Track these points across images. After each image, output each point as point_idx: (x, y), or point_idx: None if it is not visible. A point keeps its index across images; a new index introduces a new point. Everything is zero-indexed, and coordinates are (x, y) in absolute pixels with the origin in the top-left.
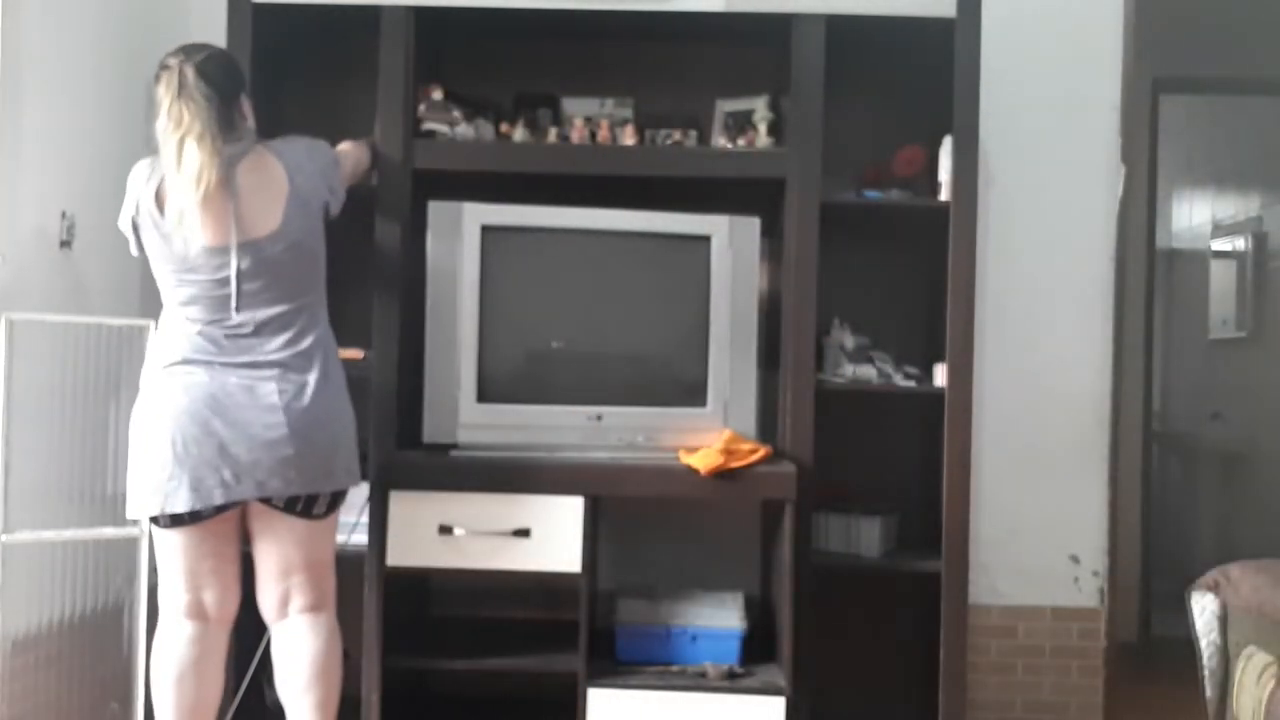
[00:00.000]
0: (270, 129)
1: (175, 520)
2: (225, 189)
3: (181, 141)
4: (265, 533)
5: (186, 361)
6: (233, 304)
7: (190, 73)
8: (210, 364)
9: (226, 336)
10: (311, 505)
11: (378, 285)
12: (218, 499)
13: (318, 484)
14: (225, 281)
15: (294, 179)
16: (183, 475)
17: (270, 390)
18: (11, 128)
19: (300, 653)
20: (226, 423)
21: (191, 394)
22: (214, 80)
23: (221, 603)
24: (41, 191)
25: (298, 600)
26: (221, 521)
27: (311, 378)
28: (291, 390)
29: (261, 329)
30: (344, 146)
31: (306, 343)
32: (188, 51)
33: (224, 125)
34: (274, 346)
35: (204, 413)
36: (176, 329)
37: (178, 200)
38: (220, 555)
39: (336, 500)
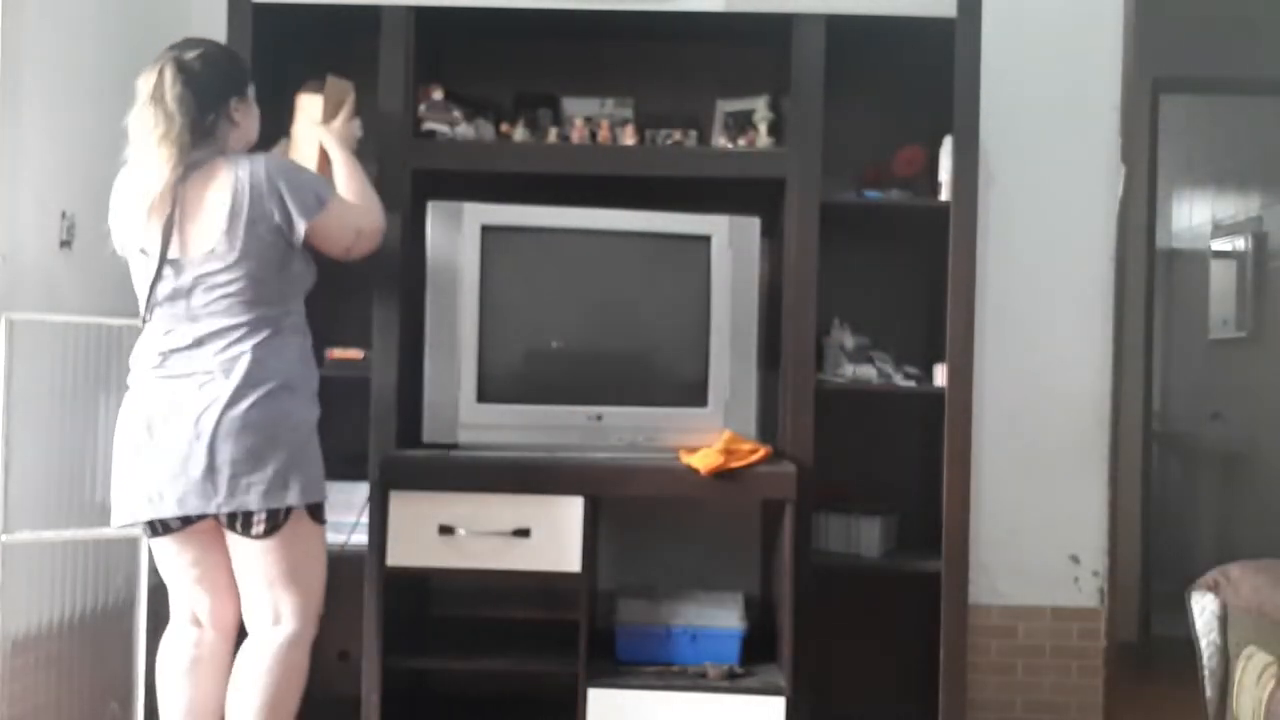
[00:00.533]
0: (270, 129)
1: (151, 530)
2: (170, 198)
3: (143, 141)
4: (230, 548)
5: (138, 375)
6: (143, 312)
7: (170, 72)
8: (152, 378)
9: (173, 350)
10: (248, 524)
11: (378, 285)
12: (144, 515)
13: (242, 500)
14: (161, 293)
15: (238, 198)
16: (123, 490)
17: (191, 403)
18: (11, 128)
19: (242, 665)
20: (153, 438)
21: (133, 410)
22: (195, 81)
23: (214, 612)
24: (41, 191)
25: (252, 618)
26: (195, 534)
27: (230, 390)
28: (205, 402)
29: (203, 341)
30: (352, 197)
31: (244, 354)
32: (182, 47)
33: (197, 130)
34: (206, 358)
35: (139, 430)
36: (140, 340)
37: (127, 201)
38: (206, 565)
39: (276, 519)
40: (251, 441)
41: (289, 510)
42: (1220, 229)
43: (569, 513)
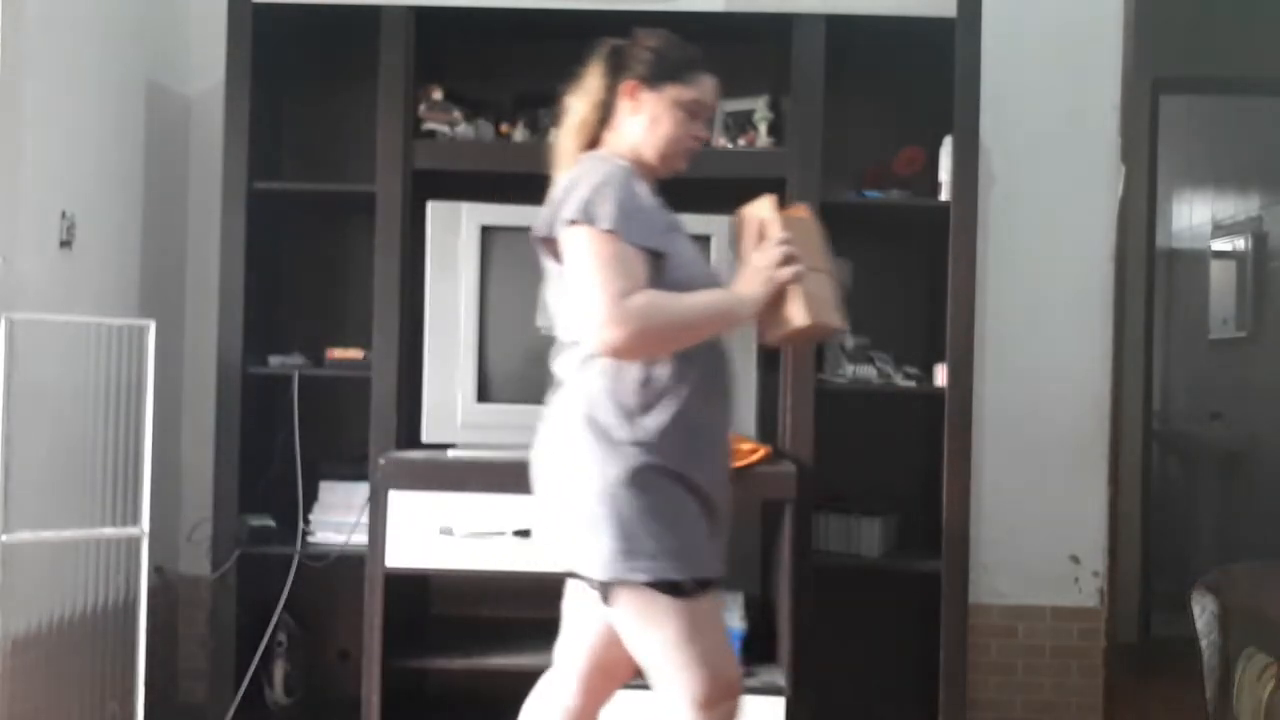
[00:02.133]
0: (269, 129)
1: None
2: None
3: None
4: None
5: None
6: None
7: (601, 53)
8: None
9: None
10: (591, 586)
11: (378, 285)
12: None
13: (573, 562)
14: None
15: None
16: None
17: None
18: (11, 128)
19: None
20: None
21: None
22: (614, 57)
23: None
24: (41, 191)
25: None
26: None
27: (548, 425)
28: (542, 438)
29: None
30: (668, 301)
31: (561, 380)
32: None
33: (599, 110)
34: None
35: None
36: None
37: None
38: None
39: (608, 590)
40: (555, 492)
41: (619, 585)
42: (1220, 229)
43: None
